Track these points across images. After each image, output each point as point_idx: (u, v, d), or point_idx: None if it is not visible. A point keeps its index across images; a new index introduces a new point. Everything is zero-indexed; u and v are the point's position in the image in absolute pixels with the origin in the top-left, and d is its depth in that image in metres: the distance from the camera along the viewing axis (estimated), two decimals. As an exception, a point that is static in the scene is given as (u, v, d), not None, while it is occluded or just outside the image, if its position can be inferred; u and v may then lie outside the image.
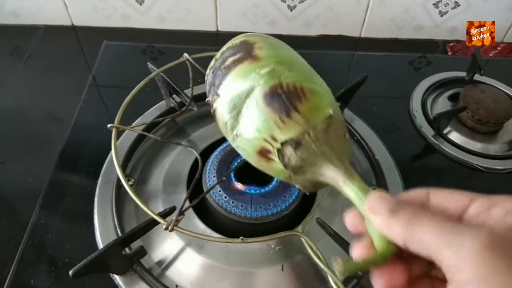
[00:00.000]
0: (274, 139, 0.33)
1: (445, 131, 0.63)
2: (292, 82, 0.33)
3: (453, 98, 0.68)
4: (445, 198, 0.25)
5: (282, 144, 0.32)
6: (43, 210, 0.51)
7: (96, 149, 0.57)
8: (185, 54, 0.50)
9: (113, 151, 0.39)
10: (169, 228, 0.35)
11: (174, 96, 0.59)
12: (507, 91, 0.69)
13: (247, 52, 0.36)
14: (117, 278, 0.44)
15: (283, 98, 0.32)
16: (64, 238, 0.48)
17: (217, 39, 0.82)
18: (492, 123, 0.61)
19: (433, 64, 0.77)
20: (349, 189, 0.29)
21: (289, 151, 0.32)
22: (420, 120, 0.64)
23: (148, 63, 0.55)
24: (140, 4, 0.78)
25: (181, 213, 0.38)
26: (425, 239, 0.22)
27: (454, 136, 0.62)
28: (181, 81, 0.55)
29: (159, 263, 0.46)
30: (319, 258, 0.38)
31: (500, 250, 0.19)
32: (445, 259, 0.21)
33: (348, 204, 0.29)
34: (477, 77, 0.68)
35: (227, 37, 0.39)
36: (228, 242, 0.43)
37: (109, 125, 0.42)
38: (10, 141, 0.61)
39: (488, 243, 0.20)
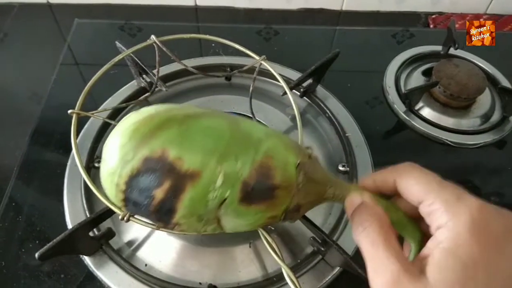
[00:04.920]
0: (275, 217, 0.33)
1: (417, 107, 0.62)
2: (251, 169, 0.31)
3: (427, 73, 0.67)
4: (406, 189, 0.29)
5: (285, 211, 0.33)
6: (15, 192, 0.51)
7: (67, 130, 0.56)
8: (152, 36, 0.49)
9: (72, 140, 0.38)
10: (125, 219, 0.33)
11: (144, 76, 0.58)
12: (482, 65, 0.68)
13: (174, 175, 0.29)
14: (86, 259, 0.45)
15: (258, 191, 0.31)
16: (36, 220, 0.49)
17: (196, 14, 0.81)
18: (464, 98, 0.60)
19: (415, 37, 0.76)
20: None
21: (294, 212, 0.33)
22: (392, 96, 0.63)
23: (117, 42, 0.54)
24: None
25: None
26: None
27: (427, 112, 0.62)
28: (154, 60, 0.53)
29: (129, 243, 0.47)
30: (274, 250, 0.37)
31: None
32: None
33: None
34: (454, 51, 0.67)
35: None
36: (184, 234, 0.42)
37: (69, 111, 0.41)
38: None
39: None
